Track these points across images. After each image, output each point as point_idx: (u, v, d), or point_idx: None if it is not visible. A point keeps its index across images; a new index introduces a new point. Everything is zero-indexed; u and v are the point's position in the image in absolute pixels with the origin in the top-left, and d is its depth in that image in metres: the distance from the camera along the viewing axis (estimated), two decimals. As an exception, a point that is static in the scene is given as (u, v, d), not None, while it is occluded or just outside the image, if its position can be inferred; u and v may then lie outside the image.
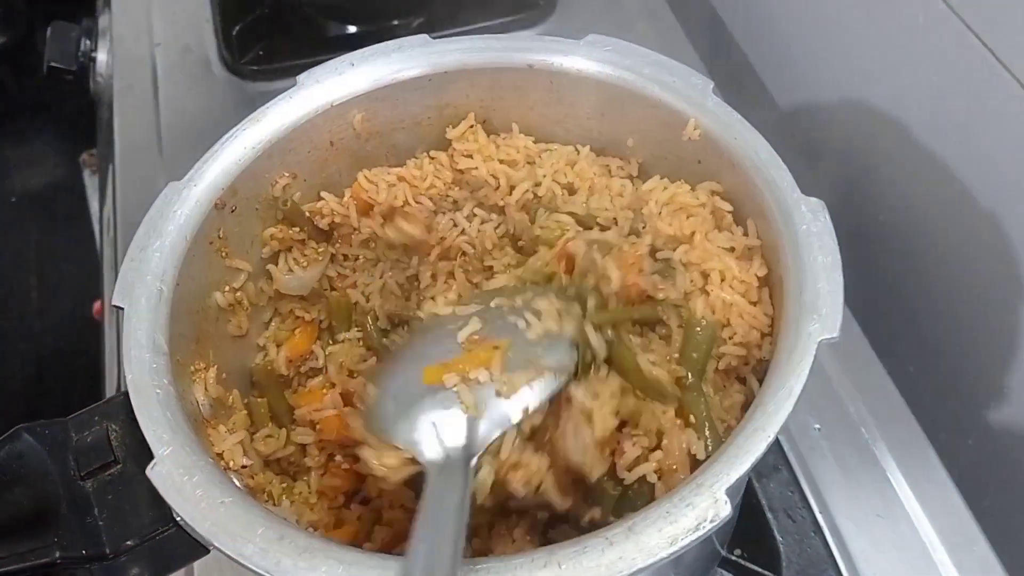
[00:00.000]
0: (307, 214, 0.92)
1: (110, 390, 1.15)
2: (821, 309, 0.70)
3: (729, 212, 0.85)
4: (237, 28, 1.46)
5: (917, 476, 0.96)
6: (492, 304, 0.81)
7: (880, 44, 1.08)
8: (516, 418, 0.72)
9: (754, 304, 0.80)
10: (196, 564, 0.87)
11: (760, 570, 0.89)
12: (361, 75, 0.90)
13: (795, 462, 0.97)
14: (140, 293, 0.77)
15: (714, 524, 0.62)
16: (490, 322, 0.79)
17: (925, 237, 1.08)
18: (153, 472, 0.67)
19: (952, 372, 1.08)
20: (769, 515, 0.93)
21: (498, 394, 0.72)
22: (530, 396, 0.73)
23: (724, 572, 0.90)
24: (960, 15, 0.93)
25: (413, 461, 0.71)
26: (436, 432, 0.71)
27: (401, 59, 0.91)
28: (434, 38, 0.92)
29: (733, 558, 0.90)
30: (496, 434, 0.71)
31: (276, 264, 0.92)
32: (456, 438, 0.71)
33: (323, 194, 0.93)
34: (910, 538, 0.93)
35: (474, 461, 0.70)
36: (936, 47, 0.98)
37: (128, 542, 0.70)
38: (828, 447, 0.99)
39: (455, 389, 0.73)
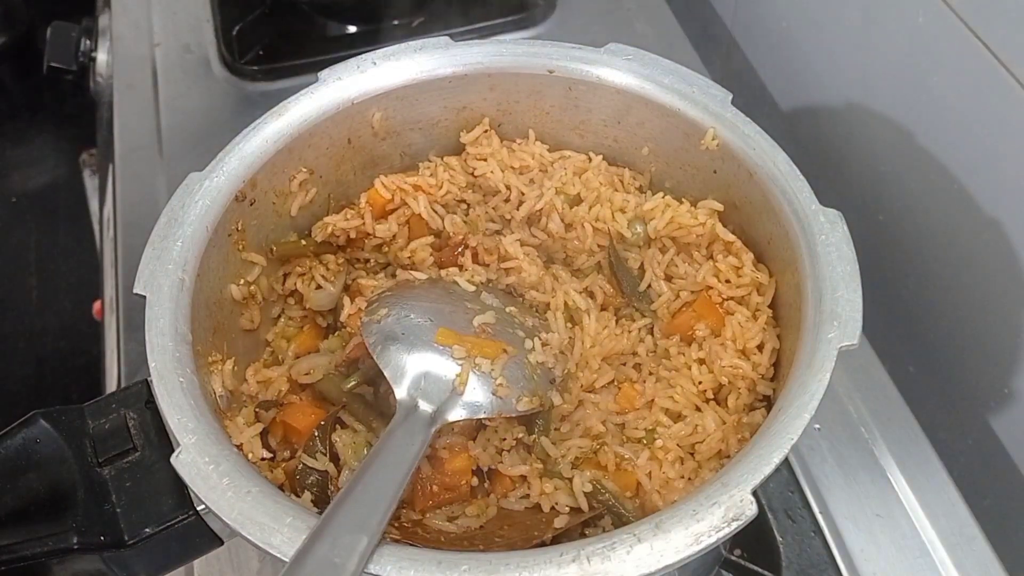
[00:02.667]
0: (302, 243, 0.93)
1: (110, 389, 1.14)
2: (840, 316, 0.72)
3: (733, 241, 0.87)
4: (237, 28, 1.46)
5: (917, 476, 0.98)
6: (507, 308, 0.86)
7: (880, 44, 1.09)
8: (485, 415, 0.78)
9: (758, 351, 0.83)
10: (196, 561, 0.87)
11: (760, 570, 0.90)
12: (383, 74, 0.91)
13: (795, 462, 0.98)
14: (163, 282, 0.77)
15: (739, 523, 0.63)
16: (502, 323, 0.84)
17: (925, 237, 1.10)
18: (178, 460, 0.67)
19: (952, 372, 1.09)
20: (769, 515, 0.94)
21: (494, 392, 0.78)
22: (507, 409, 0.78)
23: (725, 572, 0.91)
24: (960, 15, 0.94)
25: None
26: (422, 382, 0.77)
27: (423, 60, 0.92)
28: (456, 40, 0.93)
29: (733, 558, 0.90)
30: (463, 416, 0.77)
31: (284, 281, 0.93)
32: (433, 399, 0.77)
33: (328, 218, 0.93)
34: (910, 537, 0.94)
35: (434, 428, 0.75)
36: (936, 48, 1.00)
37: (146, 529, 0.70)
38: (828, 447, 1.00)
39: (459, 362, 0.78)
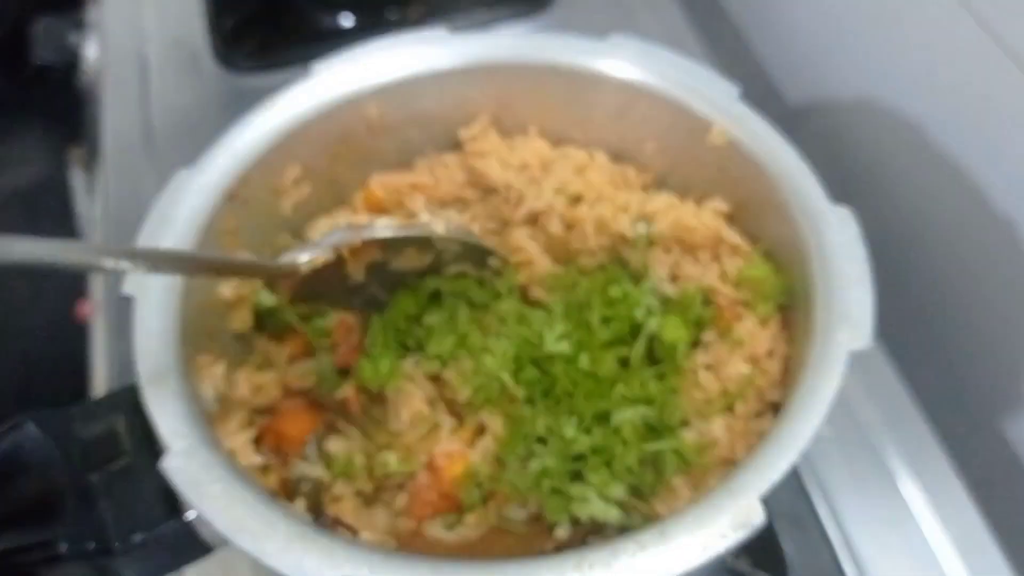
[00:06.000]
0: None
1: (99, 391, 1.12)
2: (852, 318, 0.70)
3: (740, 244, 0.86)
4: (230, 21, 1.44)
5: (929, 482, 0.96)
6: None
7: (890, 38, 1.08)
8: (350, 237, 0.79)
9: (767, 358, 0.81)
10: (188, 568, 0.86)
11: (767, 579, 0.89)
12: (378, 67, 0.89)
13: (803, 468, 0.96)
14: (151, 283, 0.75)
15: (746, 531, 0.62)
16: None
17: (938, 238, 1.08)
18: (168, 466, 0.66)
19: (966, 376, 1.08)
20: (775, 522, 0.92)
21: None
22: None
23: (730, 581, 0.90)
24: (972, 10, 0.93)
25: None
26: None
27: (420, 52, 0.90)
28: (454, 32, 0.91)
29: (739, 567, 0.89)
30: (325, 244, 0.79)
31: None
32: None
33: (321, 222, 0.92)
34: (921, 546, 0.92)
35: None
36: (948, 42, 0.98)
37: (136, 536, 0.68)
38: (837, 452, 0.97)
39: None
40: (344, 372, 0.84)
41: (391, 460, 0.79)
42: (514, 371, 0.80)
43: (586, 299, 0.83)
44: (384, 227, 0.79)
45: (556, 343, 0.80)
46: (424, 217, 0.88)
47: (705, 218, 0.86)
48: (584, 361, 0.79)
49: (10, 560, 0.66)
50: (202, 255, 0.74)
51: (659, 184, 0.93)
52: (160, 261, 0.68)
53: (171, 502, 0.68)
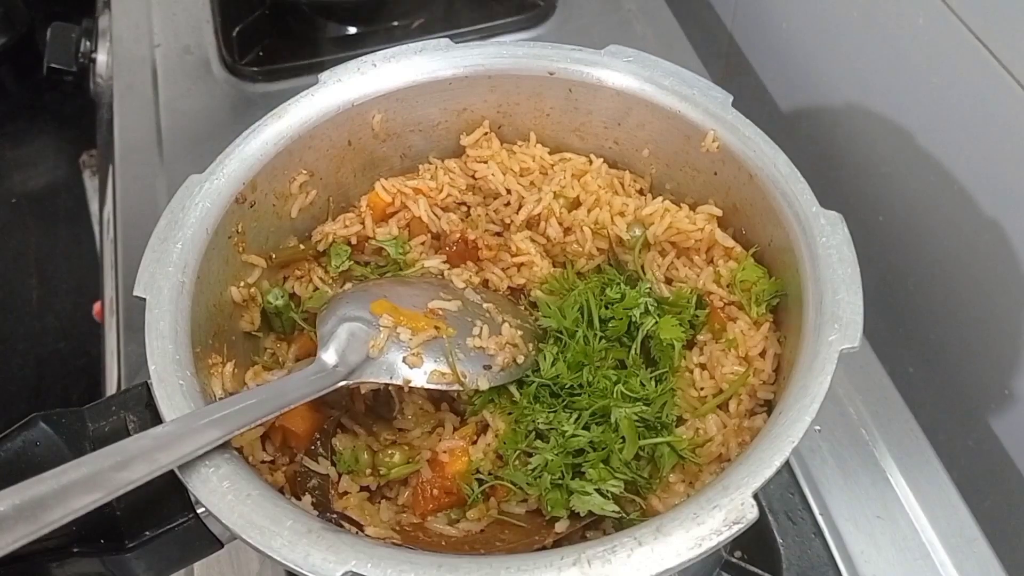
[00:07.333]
0: (301, 247, 0.93)
1: (110, 390, 1.14)
2: (841, 319, 0.72)
3: (733, 247, 0.87)
4: (237, 29, 1.46)
5: (917, 477, 0.97)
6: (484, 304, 0.86)
7: (880, 45, 1.09)
8: (394, 381, 0.79)
9: (760, 358, 0.83)
10: (196, 564, 0.87)
11: (761, 572, 0.89)
12: (383, 76, 0.91)
13: (795, 464, 0.98)
14: (163, 284, 0.77)
15: (740, 526, 0.63)
16: (463, 313, 0.85)
17: (925, 238, 1.09)
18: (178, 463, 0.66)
19: (952, 373, 1.09)
20: (769, 517, 0.93)
21: (404, 360, 0.79)
22: (418, 379, 0.79)
23: (725, 574, 0.90)
24: (960, 16, 0.94)
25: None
26: (345, 346, 0.79)
27: (423, 61, 0.92)
28: (456, 42, 0.93)
29: (734, 560, 0.90)
30: (369, 379, 0.79)
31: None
32: (349, 361, 0.79)
33: (327, 226, 0.93)
34: (910, 539, 0.94)
35: (342, 384, 0.77)
36: (936, 49, 0.99)
37: (146, 532, 0.70)
38: (828, 448, 0.99)
39: (383, 330, 0.80)
40: None
41: (396, 457, 0.81)
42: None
43: (583, 299, 0.85)
44: (432, 382, 0.80)
45: (550, 369, 0.82)
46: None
47: (699, 222, 0.88)
48: (586, 375, 0.81)
49: (22, 557, 0.66)
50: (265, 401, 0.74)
51: (654, 189, 0.95)
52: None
53: (181, 499, 0.70)
